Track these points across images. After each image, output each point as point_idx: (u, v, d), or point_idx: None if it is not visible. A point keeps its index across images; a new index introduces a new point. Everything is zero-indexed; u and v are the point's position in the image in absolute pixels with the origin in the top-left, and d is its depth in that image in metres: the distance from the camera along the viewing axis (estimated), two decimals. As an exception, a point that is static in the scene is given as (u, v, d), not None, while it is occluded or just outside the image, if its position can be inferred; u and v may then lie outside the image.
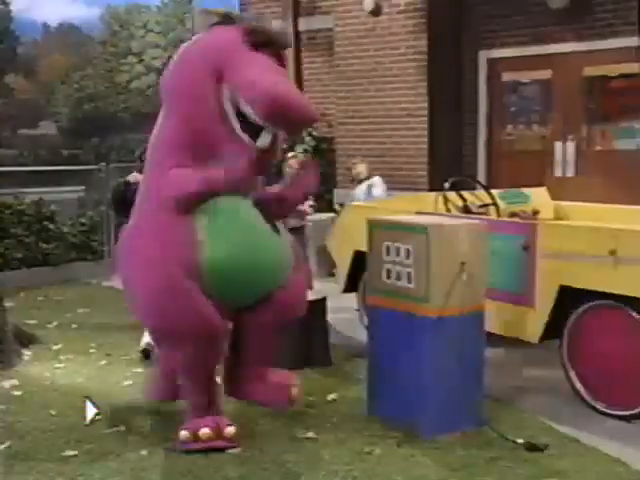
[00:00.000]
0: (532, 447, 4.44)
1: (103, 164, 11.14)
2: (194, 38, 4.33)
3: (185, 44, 4.36)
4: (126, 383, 5.61)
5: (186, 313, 4.12)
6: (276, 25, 4.29)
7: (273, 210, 4.46)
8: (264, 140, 4.10)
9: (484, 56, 10.18)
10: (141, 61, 30.40)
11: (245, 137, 4.06)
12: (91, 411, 4.78)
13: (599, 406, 4.99)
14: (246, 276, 4.23)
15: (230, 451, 4.38)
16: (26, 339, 6.65)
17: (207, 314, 4.18)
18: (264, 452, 4.39)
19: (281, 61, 4.21)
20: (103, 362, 6.22)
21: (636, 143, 7.23)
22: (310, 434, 4.69)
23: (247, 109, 3.97)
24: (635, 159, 8.00)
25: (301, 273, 4.65)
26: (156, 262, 4.11)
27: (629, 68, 9.03)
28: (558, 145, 9.54)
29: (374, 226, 4.97)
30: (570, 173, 9.46)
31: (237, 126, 4.04)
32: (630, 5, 8.88)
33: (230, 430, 4.36)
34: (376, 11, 10.08)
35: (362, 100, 10.39)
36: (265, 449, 4.42)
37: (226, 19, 4.16)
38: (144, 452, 4.39)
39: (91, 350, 6.55)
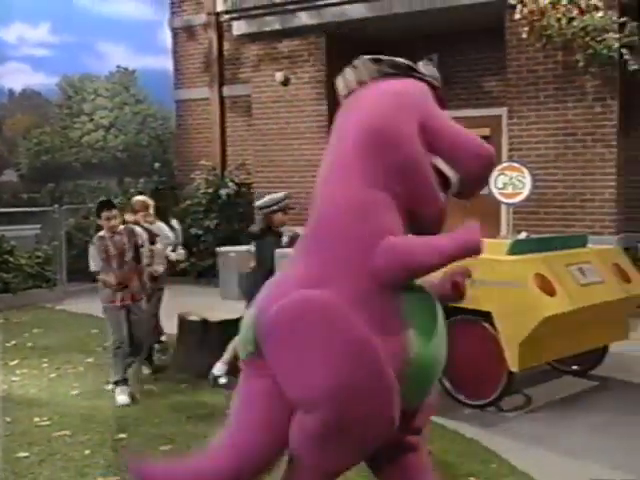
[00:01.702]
0: (409, 434, 4.50)
1: (57, 206, 10.83)
2: (377, 90, 2.85)
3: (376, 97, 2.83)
4: (73, 393, 5.42)
5: (380, 412, 2.56)
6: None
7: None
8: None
9: (371, 119, 10.41)
10: (91, 120, 29.78)
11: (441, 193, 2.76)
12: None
13: (461, 398, 5.09)
14: (433, 376, 2.84)
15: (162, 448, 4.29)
16: (-14, 357, 6.36)
17: (395, 414, 2.60)
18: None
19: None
20: (53, 375, 5.99)
21: (488, 189, 7.45)
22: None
23: (442, 166, 2.75)
24: (486, 202, 8.27)
25: None
26: (357, 345, 2.52)
27: (482, 132, 9.39)
28: (430, 190, 9.81)
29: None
30: (440, 212, 9.71)
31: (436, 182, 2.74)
32: (478, 84, 9.35)
33: None
34: (285, 82, 10.20)
35: (274, 153, 10.44)
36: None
37: (402, 69, 2.91)
38: (87, 452, 4.24)
39: (44, 365, 6.29)
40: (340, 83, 2.95)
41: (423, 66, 2.96)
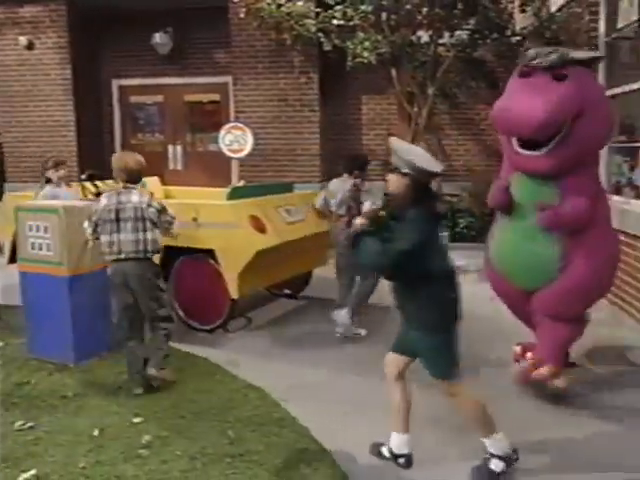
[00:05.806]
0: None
1: None
2: None
3: None
4: None
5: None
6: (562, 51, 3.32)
7: None
8: None
9: (116, 83, 9.79)
10: None
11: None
12: None
13: (193, 324, 5.13)
14: None
15: None
16: None
17: None
18: None
19: (557, 77, 3.26)
20: None
21: (218, 147, 7.54)
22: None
23: None
24: (219, 157, 8.33)
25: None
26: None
27: (213, 97, 9.43)
28: (170, 148, 9.62)
29: (20, 210, 4.56)
30: (180, 167, 9.61)
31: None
32: (209, 55, 9.26)
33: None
34: (30, 46, 9.13)
35: (23, 114, 9.35)
36: None
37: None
38: None
39: None
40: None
41: None
